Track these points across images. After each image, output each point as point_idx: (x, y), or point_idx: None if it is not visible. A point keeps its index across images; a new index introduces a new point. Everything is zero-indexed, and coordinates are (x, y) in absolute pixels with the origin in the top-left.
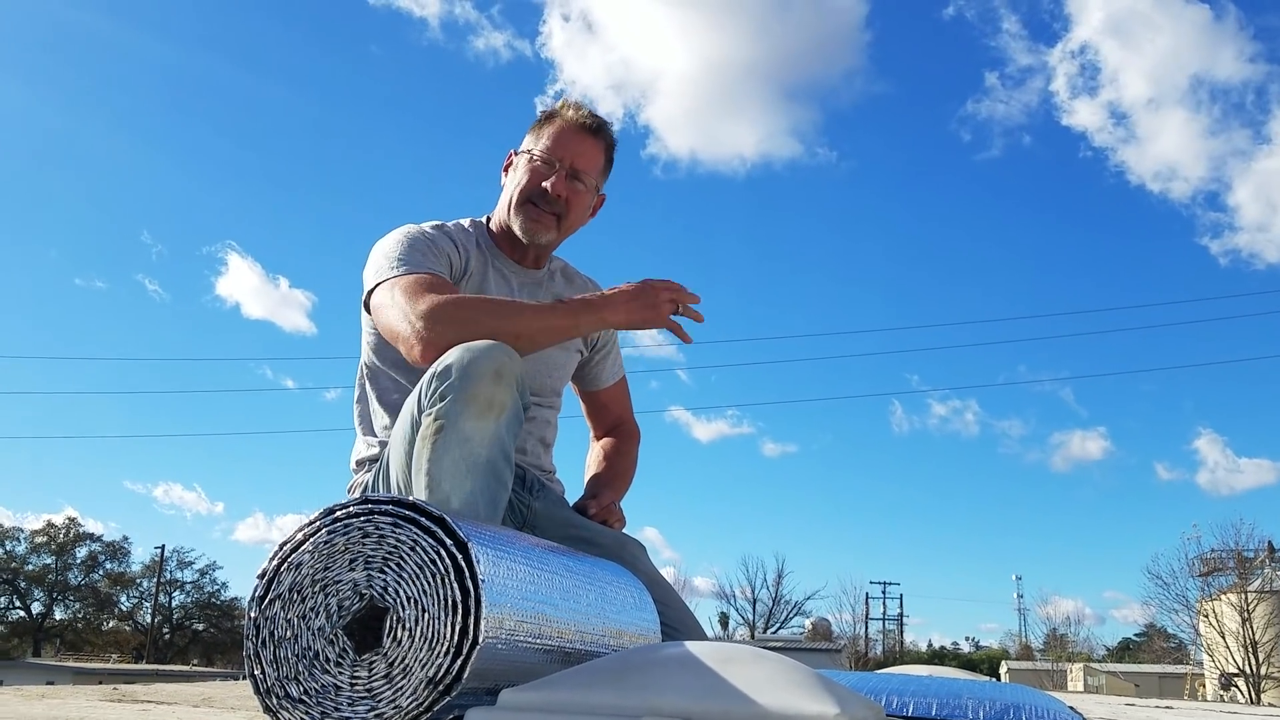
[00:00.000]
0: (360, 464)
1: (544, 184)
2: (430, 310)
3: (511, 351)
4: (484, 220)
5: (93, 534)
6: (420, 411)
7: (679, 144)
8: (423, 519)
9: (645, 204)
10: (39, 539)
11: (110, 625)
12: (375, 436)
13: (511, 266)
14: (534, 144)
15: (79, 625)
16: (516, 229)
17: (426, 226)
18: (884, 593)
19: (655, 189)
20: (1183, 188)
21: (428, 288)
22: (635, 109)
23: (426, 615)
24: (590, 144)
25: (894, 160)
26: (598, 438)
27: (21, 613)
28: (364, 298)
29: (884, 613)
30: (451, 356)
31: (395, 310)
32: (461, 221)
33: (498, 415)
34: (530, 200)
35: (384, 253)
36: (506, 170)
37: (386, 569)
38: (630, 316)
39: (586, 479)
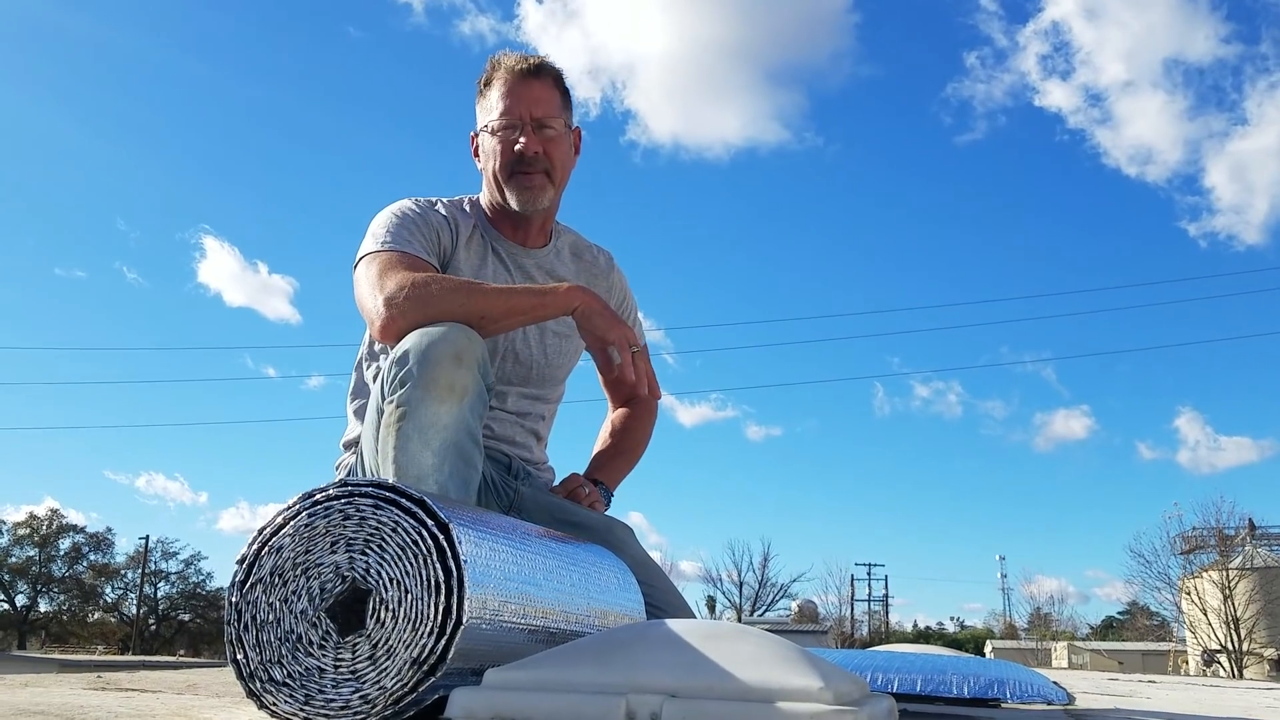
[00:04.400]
0: (347, 445)
1: (516, 148)
2: (396, 289)
3: (471, 333)
4: (478, 200)
5: (75, 525)
6: (383, 399)
7: (661, 129)
8: (403, 500)
9: (625, 191)
10: (21, 531)
11: (95, 617)
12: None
13: (512, 248)
14: (487, 115)
15: (64, 617)
16: (514, 204)
17: (422, 201)
18: (869, 574)
19: (636, 176)
20: (1159, 170)
21: (400, 266)
22: (615, 93)
23: (410, 596)
24: (539, 87)
25: (877, 144)
26: (614, 407)
27: (6, 605)
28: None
29: (869, 594)
30: (409, 342)
31: (366, 287)
32: (461, 200)
33: (460, 399)
34: (514, 171)
35: (373, 229)
36: (476, 154)
37: (368, 551)
38: (589, 311)
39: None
